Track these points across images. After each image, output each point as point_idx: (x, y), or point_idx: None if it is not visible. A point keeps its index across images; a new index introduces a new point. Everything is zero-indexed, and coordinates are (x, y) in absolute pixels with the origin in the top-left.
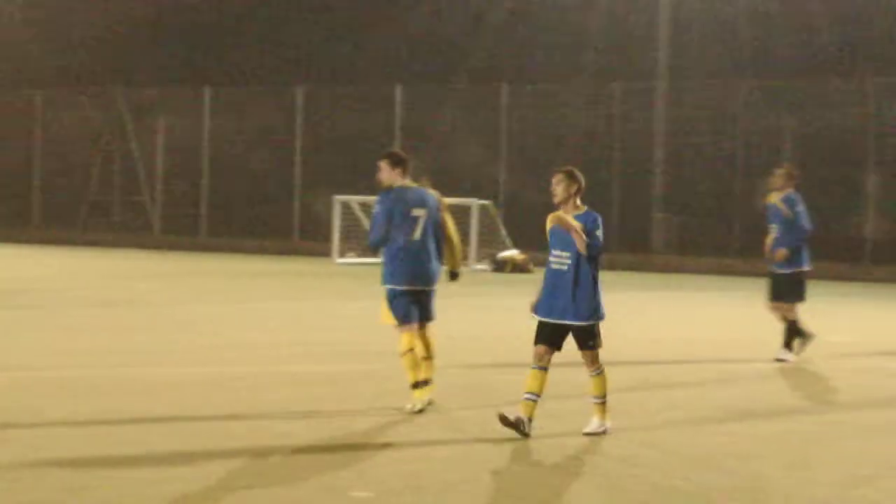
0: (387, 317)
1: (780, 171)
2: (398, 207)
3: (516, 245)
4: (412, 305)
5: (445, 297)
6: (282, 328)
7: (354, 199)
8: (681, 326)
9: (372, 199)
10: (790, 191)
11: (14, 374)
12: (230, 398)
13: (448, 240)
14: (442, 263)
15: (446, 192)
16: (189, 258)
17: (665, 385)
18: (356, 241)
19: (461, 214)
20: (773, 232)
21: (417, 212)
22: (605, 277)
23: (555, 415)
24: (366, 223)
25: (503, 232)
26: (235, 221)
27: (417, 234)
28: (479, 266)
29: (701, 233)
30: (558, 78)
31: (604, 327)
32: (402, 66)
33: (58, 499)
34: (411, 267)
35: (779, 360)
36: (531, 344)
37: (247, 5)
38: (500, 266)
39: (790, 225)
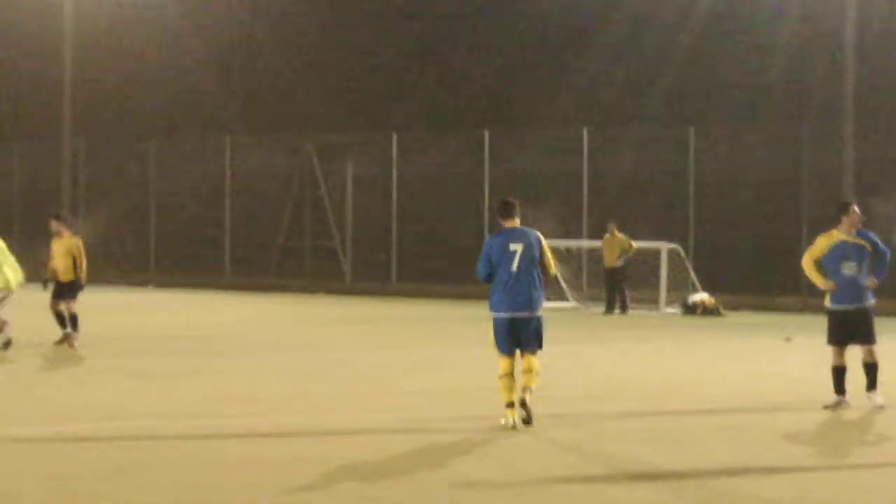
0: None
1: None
2: (495, 245)
3: (705, 288)
4: (510, 334)
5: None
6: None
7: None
8: None
9: (555, 241)
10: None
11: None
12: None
13: (545, 269)
14: (543, 292)
15: (634, 234)
16: (379, 304)
17: None
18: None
19: (650, 258)
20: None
21: (514, 246)
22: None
23: None
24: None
25: (692, 275)
26: (427, 266)
27: (514, 266)
28: (670, 310)
29: None
30: (743, 119)
31: None
32: (584, 108)
33: None
34: (510, 296)
35: None
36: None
37: (428, 46)
38: (691, 309)
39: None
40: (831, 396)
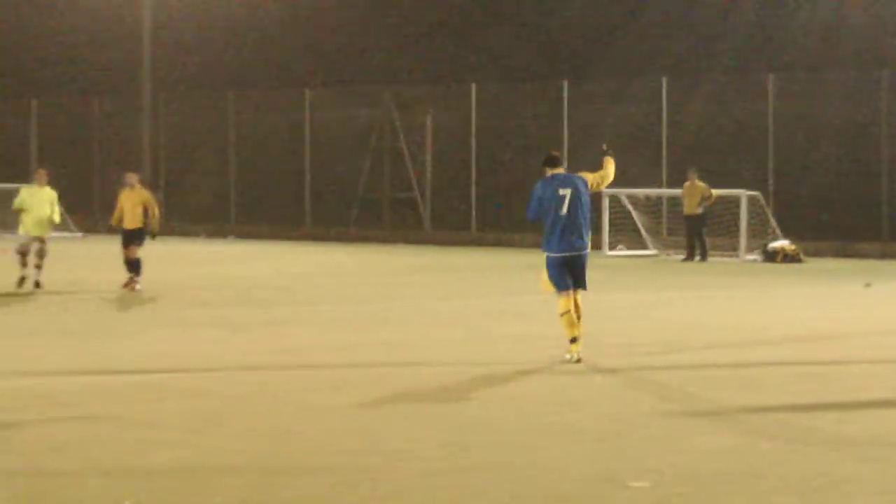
0: (546, 286)
1: None
2: (547, 190)
3: (785, 235)
4: (564, 273)
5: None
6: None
7: (623, 192)
8: None
9: (643, 190)
10: None
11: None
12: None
13: (601, 184)
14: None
15: (714, 182)
16: (458, 253)
17: None
18: (625, 233)
19: (730, 205)
20: None
21: (563, 191)
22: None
23: None
24: (635, 216)
25: (772, 222)
26: (504, 215)
27: (564, 210)
28: (750, 257)
29: None
30: (821, 66)
31: None
32: (660, 57)
33: None
34: (562, 237)
35: None
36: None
37: None
38: (771, 256)
39: None
40: None
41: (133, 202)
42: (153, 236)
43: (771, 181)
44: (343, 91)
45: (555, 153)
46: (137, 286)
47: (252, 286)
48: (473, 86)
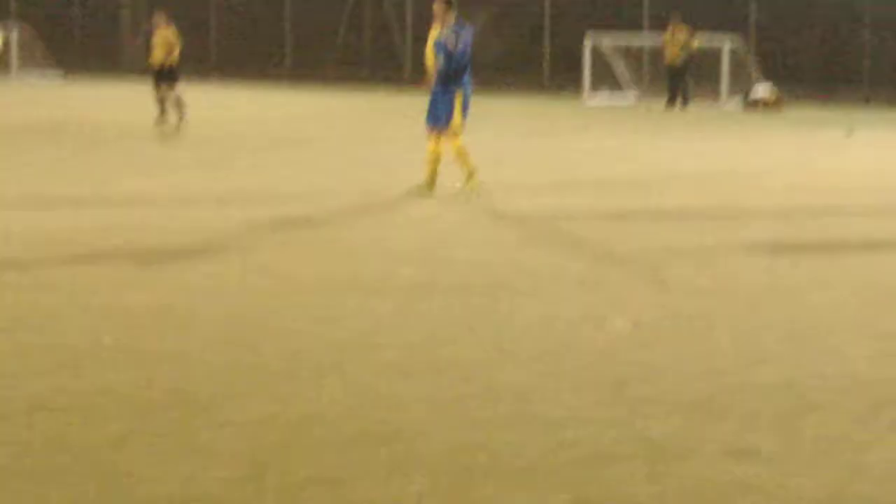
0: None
1: None
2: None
3: (767, 83)
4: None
5: (700, 135)
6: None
7: (605, 38)
8: None
9: (616, 36)
10: None
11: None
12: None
13: None
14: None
15: (696, 26)
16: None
17: None
18: (606, 80)
19: (712, 53)
20: None
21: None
22: None
23: None
24: (615, 63)
25: (754, 71)
26: (485, 60)
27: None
28: (731, 105)
29: None
30: None
31: None
32: None
33: None
34: None
35: None
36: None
37: None
38: (752, 105)
39: None
40: None
41: (159, 42)
42: (160, 72)
43: (753, 27)
44: None
45: None
46: (183, 121)
47: (238, 132)
48: None
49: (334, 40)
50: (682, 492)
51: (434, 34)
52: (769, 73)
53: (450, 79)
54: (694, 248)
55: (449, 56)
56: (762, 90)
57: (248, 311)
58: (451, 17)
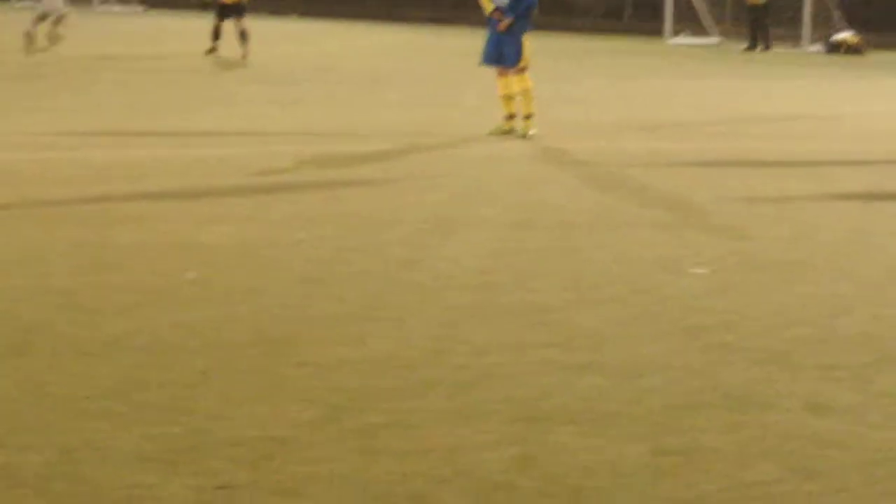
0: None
1: None
2: None
3: (850, 27)
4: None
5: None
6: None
7: None
8: None
9: None
10: None
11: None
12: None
13: None
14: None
15: None
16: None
17: None
18: (687, 22)
19: None
20: None
21: None
22: None
23: None
24: (697, 3)
25: (837, 13)
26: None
27: None
28: (813, 48)
29: None
30: None
31: None
32: None
33: None
34: None
35: None
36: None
37: None
38: (835, 48)
39: None
40: None
41: None
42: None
43: None
44: None
45: None
46: (247, 56)
47: (315, 66)
48: None
49: None
50: (762, 444)
51: None
52: (852, 19)
53: (517, 16)
54: (774, 194)
55: None
56: (845, 34)
57: (328, 252)
58: None
